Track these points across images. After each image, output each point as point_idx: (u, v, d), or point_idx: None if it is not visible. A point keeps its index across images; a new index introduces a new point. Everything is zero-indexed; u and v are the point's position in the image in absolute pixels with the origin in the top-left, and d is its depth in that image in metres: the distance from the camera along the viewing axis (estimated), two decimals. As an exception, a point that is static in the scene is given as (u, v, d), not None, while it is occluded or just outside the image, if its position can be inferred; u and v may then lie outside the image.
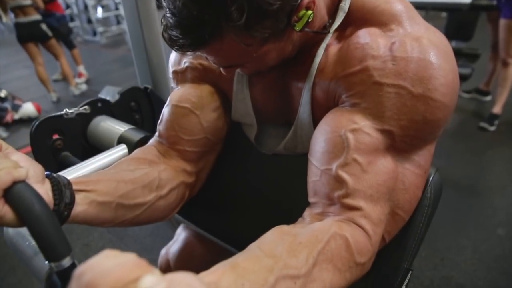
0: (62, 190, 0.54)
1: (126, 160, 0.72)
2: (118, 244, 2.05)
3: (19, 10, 3.83)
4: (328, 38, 0.63)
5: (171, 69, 0.83)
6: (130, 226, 0.71)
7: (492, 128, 2.98)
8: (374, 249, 0.55)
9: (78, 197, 0.57)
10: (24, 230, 0.68)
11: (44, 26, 4.02)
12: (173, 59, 0.83)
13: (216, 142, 0.82)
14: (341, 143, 0.56)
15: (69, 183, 0.56)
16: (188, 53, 0.67)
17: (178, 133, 0.77)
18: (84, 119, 1.07)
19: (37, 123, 0.96)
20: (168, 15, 0.52)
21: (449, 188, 2.32)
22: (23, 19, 3.86)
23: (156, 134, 0.82)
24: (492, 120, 2.99)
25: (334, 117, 0.59)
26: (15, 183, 0.47)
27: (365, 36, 0.57)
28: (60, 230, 0.47)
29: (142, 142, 0.96)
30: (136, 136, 0.98)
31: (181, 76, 0.81)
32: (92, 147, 1.08)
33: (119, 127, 1.03)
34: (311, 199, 0.61)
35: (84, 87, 4.74)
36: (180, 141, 0.78)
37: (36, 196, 0.47)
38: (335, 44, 0.62)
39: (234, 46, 0.53)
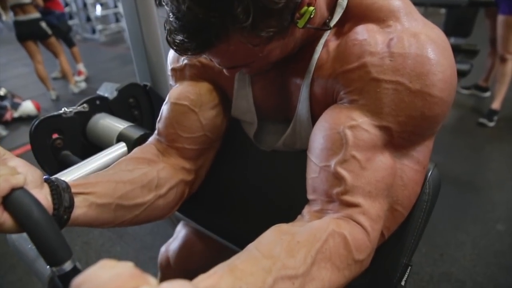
0: (61, 194, 0.54)
1: (125, 160, 0.72)
2: (118, 242, 2.06)
3: (19, 8, 3.82)
4: (327, 35, 0.63)
5: (169, 66, 0.83)
6: (130, 225, 0.71)
7: (491, 124, 2.99)
8: (373, 246, 0.55)
9: (77, 200, 0.57)
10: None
11: (43, 24, 4.02)
12: (172, 57, 0.83)
13: (215, 139, 0.82)
14: (339, 140, 0.56)
15: (68, 186, 0.56)
16: (194, 56, 0.66)
17: (177, 130, 0.77)
18: (83, 117, 1.07)
19: (36, 123, 0.96)
20: (172, 19, 0.51)
21: (448, 184, 2.32)
22: (22, 17, 3.86)
23: (155, 132, 0.82)
24: (491, 116, 3.00)
25: (333, 114, 0.59)
26: (13, 190, 0.47)
27: (363, 32, 0.58)
28: (60, 234, 0.47)
29: (141, 139, 0.96)
30: (135, 133, 0.98)
31: (179, 73, 0.81)
32: (92, 145, 1.08)
33: (118, 125, 1.03)
34: (309, 196, 0.61)
35: (83, 85, 4.74)
36: (179, 139, 0.78)
37: (35, 202, 0.48)
38: (334, 40, 0.62)
39: (240, 47, 0.53)
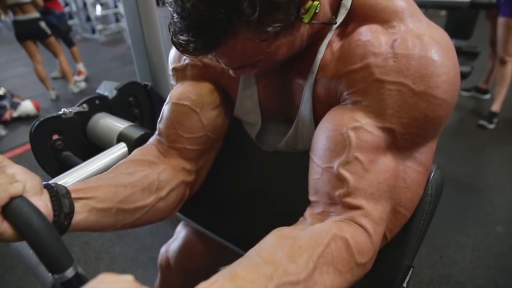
0: (61, 200, 0.54)
1: (125, 163, 0.72)
2: (117, 242, 2.05)
3: (18, 7, 3.82)
4: (330, 35, 0.62)
5: (170, 66, 0.83)
6: (131, 228, 0.71)
7: (491, 126, 2.99)
8: (375, 248, 0.55)
9: (78, 205, 0.57)
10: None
11: (43, 24, 4.01)
12: (173, 56, 0.82)
13: (216, 140, 0.82)
14: (342, 141, 0.56)
15: (67, 191, 0.56)
16: (200, 56, 0.66)
17: (178, 131, 0.77)
18: (83, 118, 1.06)
19: (35, 125, 0.95)
20: (176, 20, 0.51)
21: (448, 185, 2.31)
22: (21, 17, 3.86)
23: (156, 132, 0.82)
24: (491, 118, 3.00)
25: (336, 115, 0.59)
26: (12, 198, 0.47)
27: (366, 33, 0.57)
28: (60, 242, 0.47)
29: (142, 139, 0.95)
30: (136, 133, 0.98)
31: (180, 73, 0.81)
32: (93, 145, 1.08)
33: (118, 124, 1.03)
34: (311, 198, 0.61)
35: (83, 85, 4.74)
36: (180, 139, 0.77)
37: (34, 210, 0.48)
38: (337, 41, 0.62)
39: (247, 43, 0.53)
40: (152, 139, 0.82)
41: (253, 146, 0.83)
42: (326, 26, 0.62)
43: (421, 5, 2.95)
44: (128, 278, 0.28)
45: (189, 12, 0.48)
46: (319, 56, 0.63)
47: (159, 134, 0.81)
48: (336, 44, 0.62)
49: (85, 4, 7.51)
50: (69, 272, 0.46)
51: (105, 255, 1.97)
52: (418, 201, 0.61)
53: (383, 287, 0.67)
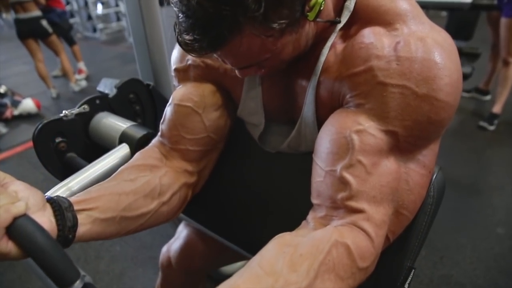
0: (64, 214, 0.54)
1: (127, 169, 0.72)
2: (117, 241, 2.05)
3: (19, 5, 3.82)
4: (333, 37, 0.62)
5: (173, 66, 0.83)
6: (135, 233, 0.71)
7: (492, 128, 2.98)
8: (377, 251, 0.55)
9: (81, 217, 0.57)
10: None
11: (44, 23, 4.01)
12: (175, 56, 0.82)
13: (218, 141, 0.82)
14: (345, 144, 0.56)
15: (70, 204, 0.56)
16: (206, 55, 0.66)
17: (180, 132, 0.77)
18: (85, 118, 1.06)
19: (37, 129, 0.95)
20: (181, 19, 0.51)
21: (449, 187, 2.29)
22: (22, 15, 3.85)
23: (159, 133, 0.82)
24: (492, 119, 3.00)
25: (339, 118, 0.59)
26: (15, 218, 0.48)
27: (369, 35, 0.57)
28: (65, 257, 0.48)
29: (144, 139, 0.95)
30: (138, 133, 0.97)
31: (183, 74, 0.81)
32: (96, 145, 1.08)
33: (120, 124, 1.02)
34: (314, 200, 0.61)
35: (84, 83, 4.74)
36: (182, 141, 0.78)
37: (38, 228, 0.49)
38: (340, 43, 0.62)
39: (253, 40, 0.53)
40: (154, 141, 0.83)
41: (255, 147, 0.83)
42: (330, 27, 0.62)
43: (422, 6, 2.92)
44: None
45: (194, 10, 0.48)
46: (322, 58, 0.63)
47: (161, 136, 0.81)
48: (339, 46, 0.62)
49: (86, 3, 7.50)
50: (77, 285, 0.48)
51: (105, 254, 1.97)
52: (421, 203, 0.61)
53: (385, 289, 0.68)
